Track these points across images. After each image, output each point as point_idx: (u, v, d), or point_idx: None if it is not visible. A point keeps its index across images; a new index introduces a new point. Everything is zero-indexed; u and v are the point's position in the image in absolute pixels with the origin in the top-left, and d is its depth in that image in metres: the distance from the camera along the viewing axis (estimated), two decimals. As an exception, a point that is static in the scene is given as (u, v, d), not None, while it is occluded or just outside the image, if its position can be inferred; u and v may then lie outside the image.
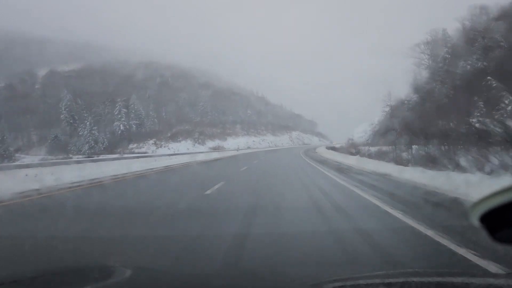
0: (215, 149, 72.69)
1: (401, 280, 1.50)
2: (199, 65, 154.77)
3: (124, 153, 48.43)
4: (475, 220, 0.88)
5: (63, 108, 62.77)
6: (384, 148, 26.36)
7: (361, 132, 75.73)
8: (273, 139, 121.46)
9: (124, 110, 67.17)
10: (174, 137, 69.44)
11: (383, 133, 47.87)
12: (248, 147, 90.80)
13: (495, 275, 2.56)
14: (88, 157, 29.77)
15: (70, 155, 47.89)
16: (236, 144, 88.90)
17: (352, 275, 1.79)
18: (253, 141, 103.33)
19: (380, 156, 22.67)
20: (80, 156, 41.83)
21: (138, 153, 45.22)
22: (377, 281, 1.50)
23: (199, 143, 74.42)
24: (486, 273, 2.88)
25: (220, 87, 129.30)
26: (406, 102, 47.29)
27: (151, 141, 63.24)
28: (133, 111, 68.96)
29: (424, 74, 50.50)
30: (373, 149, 31.57)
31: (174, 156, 31.27)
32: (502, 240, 0.91)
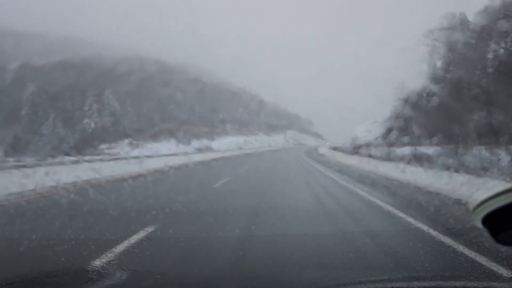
0: (201, 150, 65.02)
1: (404, 284, 1.51)
2: (191, 60, 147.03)
3: (89, 155, 40.41)
4: (477, 222, 0.88)
5: (24, 103, 54.72)
6: (426, 150, 18.85)
7: (364, 131, 68.58)
8: (266, 139, 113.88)
9: (97, 105, 59.32)
10: (155, 136, 61.73)
11: (401, 130, 40.62)
12: (239, 148, 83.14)
13: (498, 279, 2.50)
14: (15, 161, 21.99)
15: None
16: (226, 144, 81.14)
17: (354, 280, 1.77)
18: (245, 141, 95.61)
19: (429, 162, 15.20)
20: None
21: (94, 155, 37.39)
22: (379, 285, 1.50)
23: (183, 143, 66.63)
24: (489, 277, 2.81)
25: (211, 83, 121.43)
26: (426, 94, 40.02)
27: (127, 141, 55.48)
28: (107, 106, 61.11)
29: (439, 63, 43.84)
30: (399, 150, 23.96)
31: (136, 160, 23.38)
32: (505, 242, 0.91)
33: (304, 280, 1.83)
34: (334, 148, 49.51)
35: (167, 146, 59.55)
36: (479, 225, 0.89)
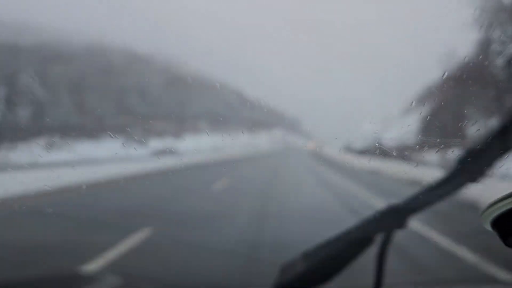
0: (162, 151, 48.16)
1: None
2: (166, 51, 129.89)
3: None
4: (487, 224, 0.86)
5: None
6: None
7: (368, 130, 53.50)
8: (249, 137, 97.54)
9: (6, 90, 42.33)
10: (96, 134, 45.17)
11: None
12: (215, 149, 66.68)
13: (502, 282, 2.61)
14: None
15: None
16: (197, 143, 64.53)
17: (357, 285, 1.67)
18: (222, 140, 78.98)
19: None
20: None
21: None
22: None
23: (137, 143, 49.91)
24: (489, 280, 2.90)
25: (184, 75, 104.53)
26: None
27: (42, 141, 38.90)
28: (24, 94, 44.34)
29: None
30: None
31: None
32: None
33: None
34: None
35: (108, 147, 42.73)
36: (489, 227, 0.86)
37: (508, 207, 0.78)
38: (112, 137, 46.71)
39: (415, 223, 5.31)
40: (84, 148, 39.47)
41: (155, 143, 56.44)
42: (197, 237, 5.40)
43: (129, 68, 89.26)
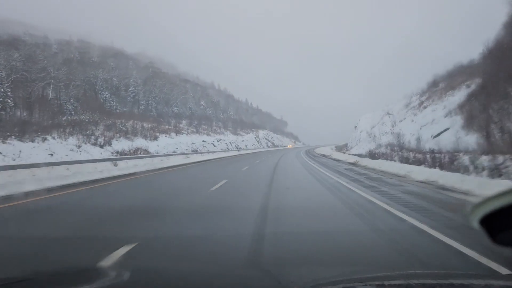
0: (125, 154, 42.12)
1: (401, 281, 1.50)
2: (151, 51, 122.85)
3: None
4: (475, 223, 0.89)
5: None
6: None
7: (366, 131, 47.77)
8: (233, 138, 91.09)
9: None
10: (44, 132, 37.98)
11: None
12: (195, 150, 60.14)
13: (495, 277, 2.53)
14: None
15: None
16: (173, 144, 57.83)
17: (352, 277, 1.76)
18: (204, 141, 72.40)
19: None
20: None
21: None
22: (377, 282, 1.50)
23: (98, 144, 42.91)
24: (488, 274, 2.82)
25: (164, 71, 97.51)
26: None
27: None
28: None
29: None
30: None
31: None
32: (503, 243, 0.91)
33: (304, 277, 1.80)
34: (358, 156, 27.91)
35: (50, 148, 35.69)
36: (476, 226, 0.88)
37: (496, 206, 0.81)
38: (65, 137, 39.54)
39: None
40: (15, 149, 32.34)
41: (121, 144, 49.44)
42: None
43: (105, 63, 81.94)
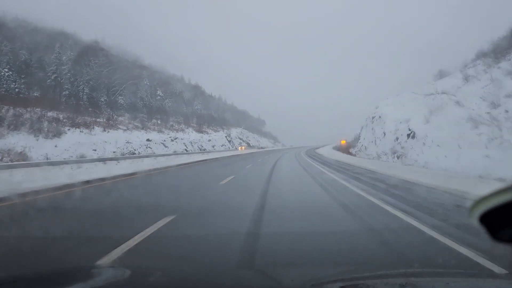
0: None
1: (401, 280, 1.51)
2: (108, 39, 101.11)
3: None
4: (475, 220, 0.89)
5: None
6: None
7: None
8: (196, 137, 71.35)
9: None
10: None
11: None
12: (130, 153, 40.49)
13: (494, 275, 2.56)
14: None
15: None
16: (88, 145, 37.66)
17: (353, 275, 1.74)
18: (149, 140, 52.33)
19: None
20: None
21: None
22: (377, 281, 1.52)
23: None
24: (484, 273, 2.81)
25: (108, 53, 76.61)
26: None
27: None
28: None
29: None
30: None
31: None
32: (503, 240, 0.91)
33: (304, 277, 1.78)
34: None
35: None
36: (476, 223, 0.88)
37: (496, 203, 0.81)
38: None
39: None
40: None
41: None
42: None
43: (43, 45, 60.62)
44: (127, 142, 44.78)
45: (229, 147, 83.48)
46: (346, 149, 46.39)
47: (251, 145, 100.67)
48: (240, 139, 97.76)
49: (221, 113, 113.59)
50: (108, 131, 45.48)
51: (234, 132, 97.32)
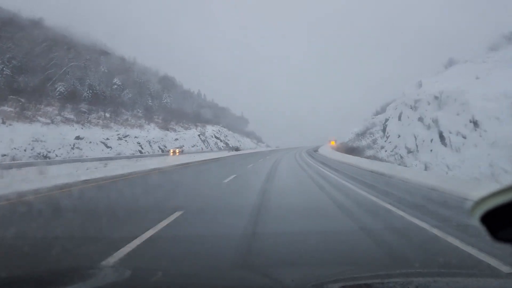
0: None
1: (402, 280, 1.50)
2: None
3: None
4: (476, 220, 0.89)
5: None
6: None
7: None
8: (159, 135, 57.21)
9: None
10: None
11: None
12: (38, 156, 26.44)
13: (496, 275, 2.49)
14: None
15: None
16: None
17: (353, 275, 1.75)
18: (80, 137, 37.98)
19: None
20: None
21: None
22: (378, 281, 1.52)
23: None
24: (485, 273, 2.65)
25: (48, 31, 61.61)
26: None
27: None
28: None
29: None
30: None
31: None
32: (503, 239, 0.91)
33: (305, 277, 1.78)
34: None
35: None
36: (477, 222, 0.88)
37: (497, 203, 0.80)
38: None
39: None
40: None
41: None
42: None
43: None
44: (35, 140, 30.50)
45: (202, 148, 69.71)
46: (344, 149, 40.74)
47: (230, 145, 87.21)
48: (217, 138, 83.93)
49: (197, 109, 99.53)
50: (10, 124, 31.19)
51: (210, 130, 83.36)
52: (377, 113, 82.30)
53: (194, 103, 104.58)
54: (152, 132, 56.72)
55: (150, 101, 74.91)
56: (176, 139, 61.88)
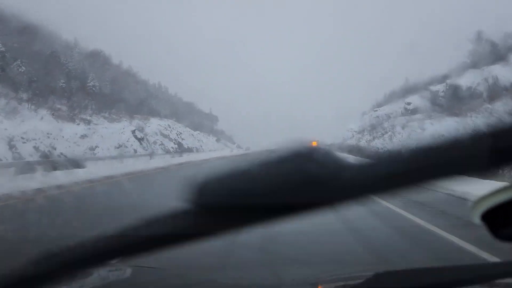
0: None
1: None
2: None
3: None
4: (476, 218, 0.87)
5: None
6: None
7: None
8: (47, 129, 35.02)
9: None
10: None
11: None
12: None
13: (483, 266, 2.32)
14: None
15: None
16: None
17: (352, 274, 1.77)
18: None
19: None
20: None
21: None
22: (379, 280, 1.53)
23: None
24: (476, 265, 2.54)
25: None
26: None
27: None
28: None
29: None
30: None
31: None
32: (504, 238, 0.89)
33: (296, 276, 1.79)
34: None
35: None
36: (478, 221, 0.86)
37: (498, 201, 0.79)
38: None
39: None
40: None
41: None
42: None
43: None
44: None
45: (135, 150, 47.71)
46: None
47: (184, 145, 65.55)
48: (165, 136, 61.98)
49: (144, 98, 77.26)
50: None
51: (156, 124, 61.29)
52: (379, 105, 64.15)
53: (143, 94, 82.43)
54: (32, 123, 34.36)
55: (62, 81, 52.34)
56: (83, 136, 39.72)
